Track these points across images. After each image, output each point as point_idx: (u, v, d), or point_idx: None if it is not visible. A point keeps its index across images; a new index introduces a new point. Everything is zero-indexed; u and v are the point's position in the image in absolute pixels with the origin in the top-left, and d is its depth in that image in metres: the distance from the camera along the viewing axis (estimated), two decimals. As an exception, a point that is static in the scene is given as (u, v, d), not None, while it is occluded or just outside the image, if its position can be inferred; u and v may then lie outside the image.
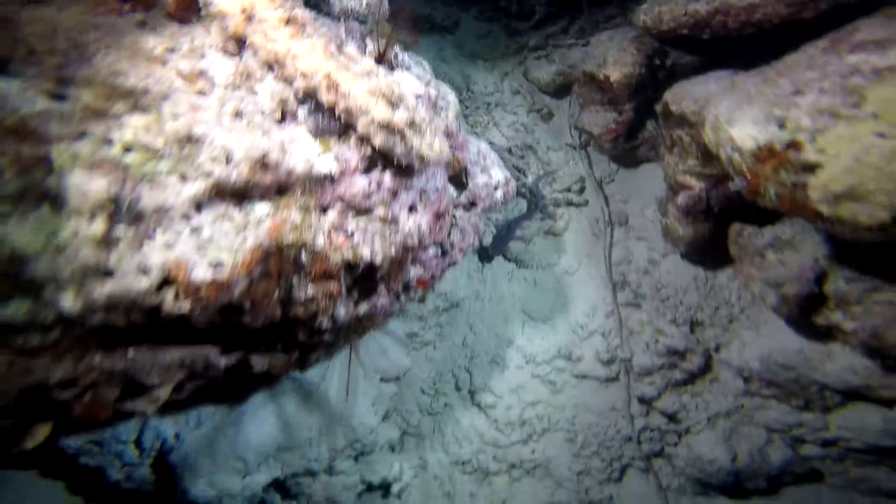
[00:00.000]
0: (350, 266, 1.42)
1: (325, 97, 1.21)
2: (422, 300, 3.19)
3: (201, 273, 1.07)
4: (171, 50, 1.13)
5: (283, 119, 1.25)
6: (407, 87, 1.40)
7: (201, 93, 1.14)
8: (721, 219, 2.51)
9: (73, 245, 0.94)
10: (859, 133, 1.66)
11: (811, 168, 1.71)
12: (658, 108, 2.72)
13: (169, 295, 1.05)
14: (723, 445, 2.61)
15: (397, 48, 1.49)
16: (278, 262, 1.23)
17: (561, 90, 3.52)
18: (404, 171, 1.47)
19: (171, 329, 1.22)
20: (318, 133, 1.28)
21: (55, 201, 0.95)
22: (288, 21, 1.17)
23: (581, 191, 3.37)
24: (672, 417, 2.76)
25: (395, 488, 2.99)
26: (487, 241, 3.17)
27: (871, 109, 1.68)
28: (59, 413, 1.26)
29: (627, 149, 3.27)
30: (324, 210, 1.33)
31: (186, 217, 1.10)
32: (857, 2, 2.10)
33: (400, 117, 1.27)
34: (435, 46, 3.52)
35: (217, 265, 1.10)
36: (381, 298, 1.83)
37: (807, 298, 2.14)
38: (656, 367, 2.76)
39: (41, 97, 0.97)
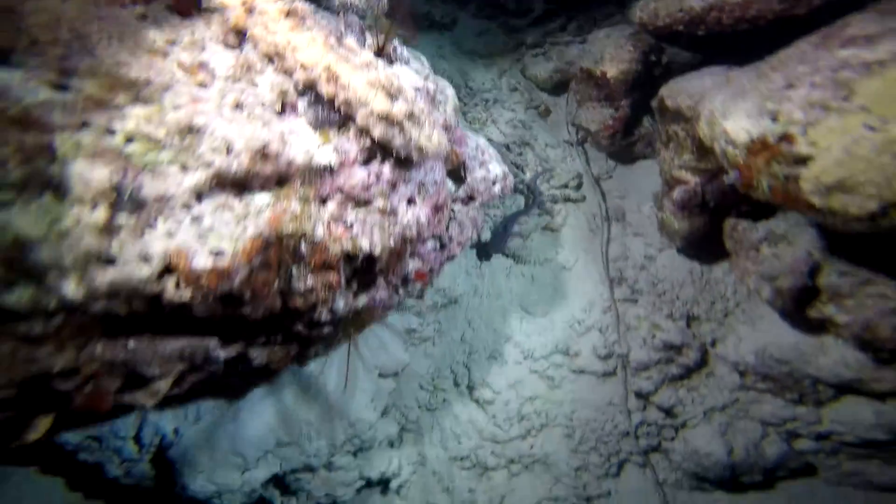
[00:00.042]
0: (349, 257, 1.43)
1: (325, 89, 1.23)
2: (420, 296, 3.20)
3: (202, 261, 1.09)
4: (172, 42, 1.15)
5: (283, 111, 1.27)
6: (406, 80, 1.42)
7: (202, 84, 1.16)
8: (716, 213, 2.54)
9: (75, 232, 0.96)
10: (849, 125, 1.69)
11: (803, 160, 1.74)
12: (654, 103, 2.75)
13: (170, 283, 1.07)
14: (719, 440, 2.63)
15: (396, 42, 1.51)
16: (278, 251, 1.24)
17: (558, 87, 3.55)
18: (403, 164, 1.49)
19: (171, 319, 1.23)
20: (318, 125, 1.30)
21: (58, 189, 0.96)
22: (288, 14, 1.18)
23: (578, 187, 3.40)
24: (669, 412, 2.78)
25: (394, 484, 3.00)
26: (486, 236, 3.19)
27: (860, 102, 1.71)
28: (60, 404, 1.27)
29: (624, 145, 3.29)
30: (323, 201, 1.35)
31: (187, 206, 1.11)
32: (848, -2, 2.13)
33: (399, 109, 1.29)
34: (434, 44, 3.54)
35: (218, 253, 1.12)
36: (380, 291, 1.84)
37: (800, 291, 2.17)
38: (653, 361, 2.78)
39: (44, 87, 0.98)
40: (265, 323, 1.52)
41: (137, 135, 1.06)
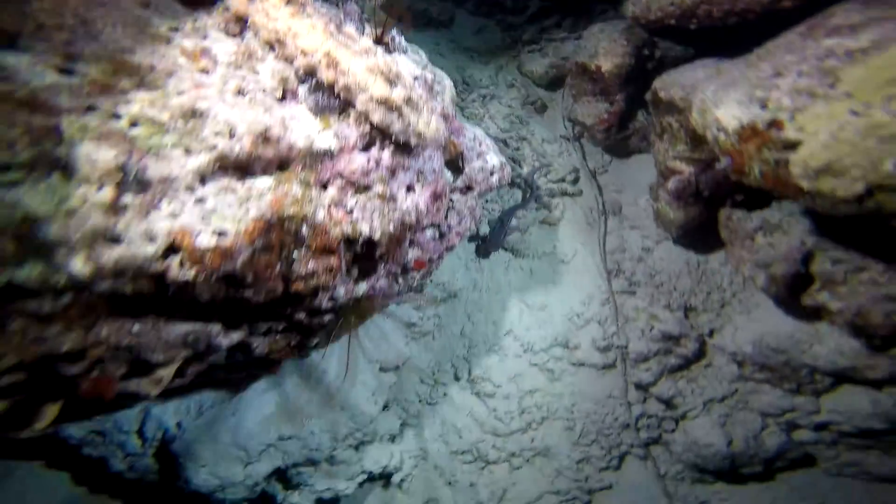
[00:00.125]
0: (349, 241, 1.46)
1: (325, 74, 1.26)
2: (420, 290, 3.23)
3: (205, 240, 1.11)
4: (175, 29, 1.18)
5: (284, 97, 1.30)
6: (404, 67, 1.45)
7: (204, 71, 1.19)
8: (711, 203, 2.57)
9: (82, 211, 0.98)
10: (835, 111, 1.73)
11: (792, 145, 1.78)
12: (648, 96, 2.79)
13: (174, 261, 1.09)
14: (719, 430, 2.65)
15: (394, 32, 1.55)
16: (280, 234, 1.27)
17: (554, 82, 3.59)
18: (402, 150, 1.52)
19: (175, 301, 1.25)
20: (319, 111, 1.33)
21: (65, 170, 0.99)
22: (289, 1, 1.21)
23: (575, 181, 3.43)
24: (668, 403, 2.80)
25: (395, 478, 3.00)
26: (484, 230, 3.22)
27: (845, 89, 1.75)
28: (67, 390, 1.29)
29: (619, 139, 3.34)
30: (324, 186, 1.38)
31: (191, 188, 1.14)
32: (834, -11, 2.18)
33: (398, 94, 1.32)
34: (431, 41, 3.58)
35: (221, 234, 1.14)
36: (380, 280, 1.87)
37: (794, 278, 2.20)
38: (652, 352, 2.80)
39: (50, 71, 1.01)
40: (267, 308, 1.54)
41: (142, 118, 1.09)
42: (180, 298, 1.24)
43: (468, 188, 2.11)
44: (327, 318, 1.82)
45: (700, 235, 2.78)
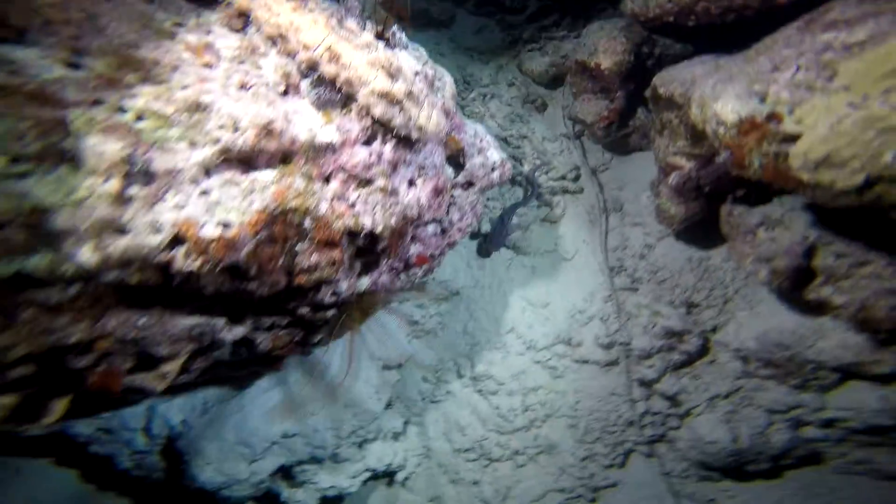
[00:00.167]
0: (352, 234, 1.47)
1: (327, 68, 1.28)
2: (422, 287, 3.23)
3: (210, 231, 1.12)
4: (179, 24, 1.20)
5: (286, 92, 1.32)
6: (405, 62, 1.47)
7: (208, 65, 1.21)
8: (712, 198, 2.57)
9: (90, 201, 1.00)
10: (833, 104, 1.74)
11: (791, 138, 1.78)
12: (647, 92, 2.80)
13: (180, 252, 1.11)
14: (724, 427, 2.63)
15: (395, 28, 1.57)
16: (283, 226, 1.28)
17: (554, 81, 3.61)
18: (403, 145, 1.53)
19: (180, 293, 1.26)
20: (321, 105, 1.34)
21: (73, 161, 1.01)
22: (290, -3, 1.24)
23: (576, 179, 3.44)
24: (673, 400, 2.78)
25: (399, 476, 3.00)
26: (486, 227, 3.23)
27: (843, 82, 1.76)
28: (75, 383, 1.30)
29: (620, 136, 3.34)
30: (326, 179, 1.39)
31: (196, 180, 1.15)
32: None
33: (399, 88, 1.33)
34: (431, 41, 3.61)
35: (225, 225, 1.16)
36: (383, 276, 1.88)
37: (796, 272, 2.20)
38: (655, 349, 2.80)
39: (58, 65, 1.03)
40: (270, 302, 1.55)
41: (147, 112, 1.11)
42: (185, 290, 1.25)
43: (469, 184, 2.12)
44: (330, 313, 1.83)
45: (701, 231, 2.78)
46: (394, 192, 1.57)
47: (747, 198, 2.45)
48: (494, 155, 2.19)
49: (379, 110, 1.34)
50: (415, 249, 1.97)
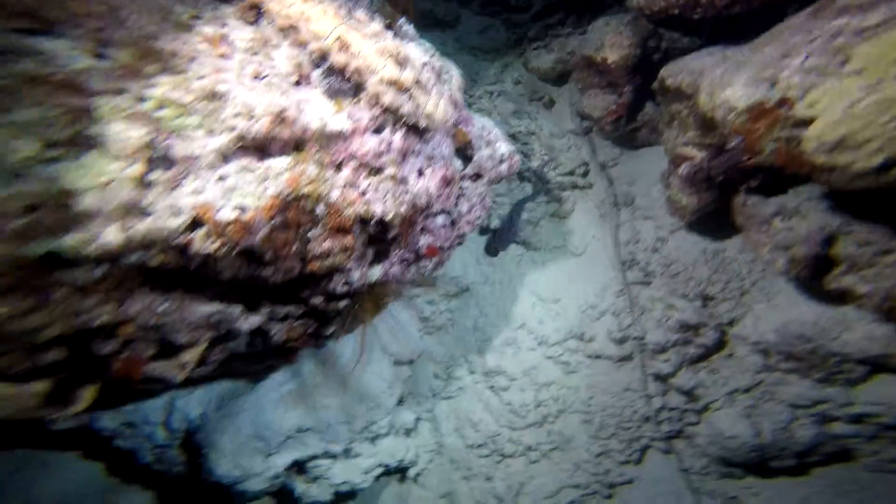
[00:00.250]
0: (363, 221, 1.49)
1: (337, 58, 1.32)
2: (432, 284, 3.25)
3: (227, 214, 1.16)
4: (196, 17, 1.25)
5: (298, 82, 1.36)
6: (413, 52, 1.50)
7: (223, 56, 1.26)
8: (724, 188, 2.53)
9: (114, 185, 1.04)
10: (847, 87, 1.72)
11: (803, 123, 1.76)
12: (655, 85, 2.78)
13: (198, 234, 1.14)
14: (745, 421, 2.56)
15: (402, 20, 1.60)
16: (296, 212, 1.31)
17: (561, 77, 3.62)
18: (412, 133, 1.56)
19: (198, 277, 1.30)
20: (332, 94, 1.38)
21: (99, 147, 1.06)
22: (302, -11, 1.28)
23: (585, 174, 3.43)
24: (689, 394, 2.73)
25: (411, 472, 2.99)
26: (495, 223, 3.24)
27: (856, 66, 1.74)
28: (100, 370, 1.34)
29: (629, 131, 3.33)
30: (338, 167, 1.42)
31: (213, 167, 1.19)
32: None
33: (407, 76, 1.36)
34: (437, 41, 3.66)
35: (241, 209, 1.19)
36: (394, 266, 1.90)
37: (815, 259, 2.14)
38: (670, 342, 2.75)
39: (85, 56, 1.08)
40: (284, 290, 1.58)
41: (167, 101, 1.15)
42: (203, 275, 1.29)
43: (478, 176, 2.13)
44: (343, 304, 1.85)
45: (714, 222, 2.73)
46: (403, 181, 1.59)
47: (762, 188, 2.40)
48: (503, 147, 2.20)
49: (388, 98, 1.37)
50: (425, 240, 1.98)
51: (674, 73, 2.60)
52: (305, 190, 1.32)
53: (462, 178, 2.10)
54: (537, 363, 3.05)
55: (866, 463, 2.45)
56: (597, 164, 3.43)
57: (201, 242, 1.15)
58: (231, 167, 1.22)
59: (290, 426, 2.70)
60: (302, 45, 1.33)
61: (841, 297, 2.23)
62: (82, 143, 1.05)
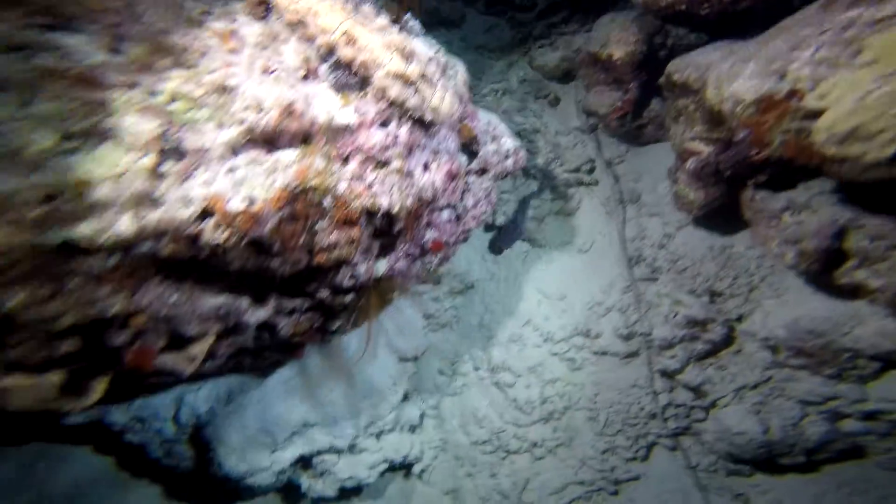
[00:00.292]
0: (370, 214, 1.51)
1: (344, 52, 1.34)
2: (437, 282, 3.26)
3: (236, 205, 1.18)
4: (207, 13, 1.28)
5: (306, 76, 1.38)
6: (418, 46, 1.51)
7: (233, 51, 1.28)
8: (732, 183, 2.51)
9: (128, 175, 1.07)
10: (860, 79, 1.70)
11: (813, 114, 1.74)
12: (661, 80, 2.77)
13: (208, 224, 1.17)
14: (753, 418, 2.53)
15: (408, 16, 1.62)
16: (304, 204, 1.33)
17: (566, 75, 3.62)
18: (418, 127, 1.58)
19: (208, 268, 1.33)
20: (339, 88, 1.40)
21: (113, 139, 1.09)
22: (309, -16, 1.31)
23: (591, 171, 3.42)
24: (697, 391, 2.70)
25: (416, 468, 3.00)
26: (500, 220, 3.24)
27: (869, 57, 1.72)
28: (112, 361, 1.38)
29: (635, 127, 3.31)
30: (345, 160, 1.44)
31: (223, 159, 1.22)
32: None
33: (413, 70, 1.38)
34: (442, 40, 3.67)
35: (250, 200, 1.21)
36: (400, 261, 1.91)
37: (826, 253, 2.12)
38: (677, 338, 2.73)
39: (101, 51, 1.12)
40: (292, 282, 1.60)
41: (178, 94, 1.18)
42: (212, 265, 1.31)
43: (483, 171, 2.14)
44: (349, 298, 1.87)
45: (722, 218, 2.71)
46: (409, 175, 1.61)
47: (770, 183, 2.38)
48: (508, 142, 2.21)
49: (394, 92, 1.39)
50: (430, 235, 2.00)
51: (680, 69, 2.59)
52: (313, 182, 1.34)
53: (467, 173, 2.12)
54: (543, 360, 3.04)
55: (879, 461, 2.40)
56: (603, 160, 3.42)
57: (211, 232, 1.17)
58: (240, 159, 1.25)
59: (296, 421, 2.73)
60: (310, 39, 1.35)
61: (853, 292, 2.20)
62: (97, 135, 1.08)
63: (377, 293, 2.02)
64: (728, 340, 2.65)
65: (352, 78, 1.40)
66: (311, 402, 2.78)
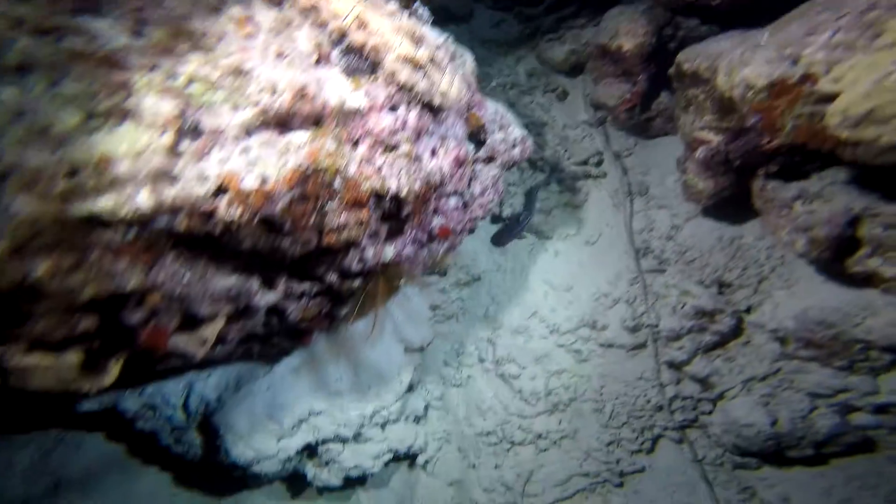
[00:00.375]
0: (378, 196, 1.54)
1: (355, 36, 1.37)
2: (443, 274, 3.28)
3: (250, 183, 1.22)
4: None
5: (318, 61, 1.42)
6: (428, 31, 1.54)
7: (249, 36, 1.32)
8: (742, 172, 2.49)
9: (148, 152, 1.11)
10: (878, 61, 1.68)
11: (827, 98, 1.73)
12: (671, 71, 2.76)
13: (223, 201, 1.21)
14: (761, 410, 2.51)
15: (418, 3, 1.65)
16: (315, 184, 1.37)
17: (575, 69, 3.62)
18: (427, 112, 1.60)
19: (221, 246, 1.37)
20: (350, 72, 1.43)
21: (134, 118, 1.13)
22: (322, -30, 1.34)
23: (599, 164, 3.42)
24: (704, 382, 2.68)
25: (420, 459, 3.02)
26: (507, 212, 3.25)
27: (889, 39, 1.70)
28: (128, 341, 1.42)
29: (643, 120, 3.30)
30: (355, 143, 1.47)
31: (237, 139, 1.26)
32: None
33: (422, 54, 1.40)
34: (451, 35, 3.72)
35: (263, 179, 1.25)
36: (407, 247, 1.94)
37: (838, 240, 2.09)
38: (685, 329, 2.71)
39: (124, 34, 1.16)
40: (301, 265, 1.64)
41: (196, 77, 1.22)
42: (225, 243, 1.35)
43: (491, 159, 2.16)
44: (357, 282, 1.90)
45: (731, 208, 2.69)
46: (417, 159, 1.63)
47: (781, 172, 2.36)
48: (516, 131, 2.23)
49: (404, 75, 1.42)
50: (437, 221, 2.02)
51: (691, 58, 2.58)
52: (324, 164, 1.37)
53: (475, 161, 2.14)
54: (549, 351, 3.05)
55: (890, 455, 2.36)
56: (611, 153, 3.41)
57: (225, 209, 1.21)
58: (254, 140, 1.28)
59: (302, 409, 2.77)
60: (322, 25, 1.39)
61: (865, 281, 2.17)
62: (119, 114, 1.12)
63: (385, 279, 2.05)
64: (736, 331, 2.63)
65: (362, 62, 1.43)
66: (317, 391, 2.82)
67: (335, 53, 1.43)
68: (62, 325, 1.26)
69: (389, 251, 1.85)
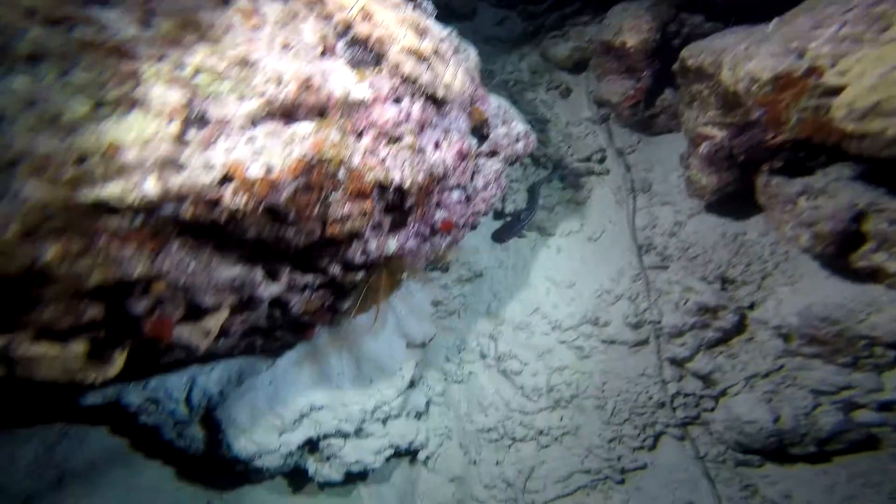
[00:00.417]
0: (382, 188, 1.55)
1: (360, 28, 1.38)
2: (445, 269, 3.29)
3: (256, 171, 1.24)
4: (232, -9, 1.34)
5: (323, 53, 1.43)
6: (432, 24, 1.55)
7: (255, 28, 1.34)
8: (746, 168, 2.49)
9: (155, 140, 1.13)
10: (886, 54, 1.67)
11: (833, 91, 1.72)
12: (675, 66, 2.76)
13: (229, 189, 1.22)
14: (764, 406, 2.49)
15: (421, -4, 1.66)
16: (319, 174, 1.38)
17: (578, 65, 3.62)
18: (430, 104, 1.61)
19: (226, 236, 1.38)
20: (354, 64, 1.45)
21: (142, 107, 1.15)
22: (327, -37, 1.35)
23: (602, 160, 3.41)
24: (706, 379, 2.67)
25: (421, 455, 3.02)
26: (510, 208, 3.25)
27: (897, 32, 1.69)
28: (133, 331, 1.44)
29: (647, 116, 3.30)
30: (359, 134, 1.48)
31: (243, 129, 1.27)
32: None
33: (426, 45, 1.42)
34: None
35: (268, 168, 1.27)
36: (410, 239, 1.95)
37: (842, 235, 2.08)
38: (687, 326, 2.70)
39: (133, 25, 1.18)
40: (305, 255, 1.65)
41: (203, 67, 1.24)
42: (230, 232, 1.36)
43: (493, 153, 2.17)
44: (360, 275, 1.92)
45: (735, 204, 2.68)
46: (421, 151, 1.64)
47: (786, 168, 2.35)
48: (519, 126, 2.23)
49: (408, 67, 1.43)
50: (440, 215, 2.03)
51: (695, 53, 2.58)
52: (328, 154, 1.38)
53: (478, 155, 2.14)
54: (551, 348, 3.05)
55: (894, 452, 2.35)
56: (614, 150, 3.41)
57: (231, 197, 1.22)
58: (260, 130, 1.30)
59: (304, 403, 2.78)
60: (327, 17, 1.40)
61: (870, 276, 2.16)
62: (128, 103, 1.14)
63: (387, 273, 2.06)
64: (739, 328, 2.62)
65: (367, 54, 1.44)
66: (319, 385, 2.83)
67: (340, 45, 1.44)
68: (69, 313, 1.28)
69: (392, 244, 1.86)
